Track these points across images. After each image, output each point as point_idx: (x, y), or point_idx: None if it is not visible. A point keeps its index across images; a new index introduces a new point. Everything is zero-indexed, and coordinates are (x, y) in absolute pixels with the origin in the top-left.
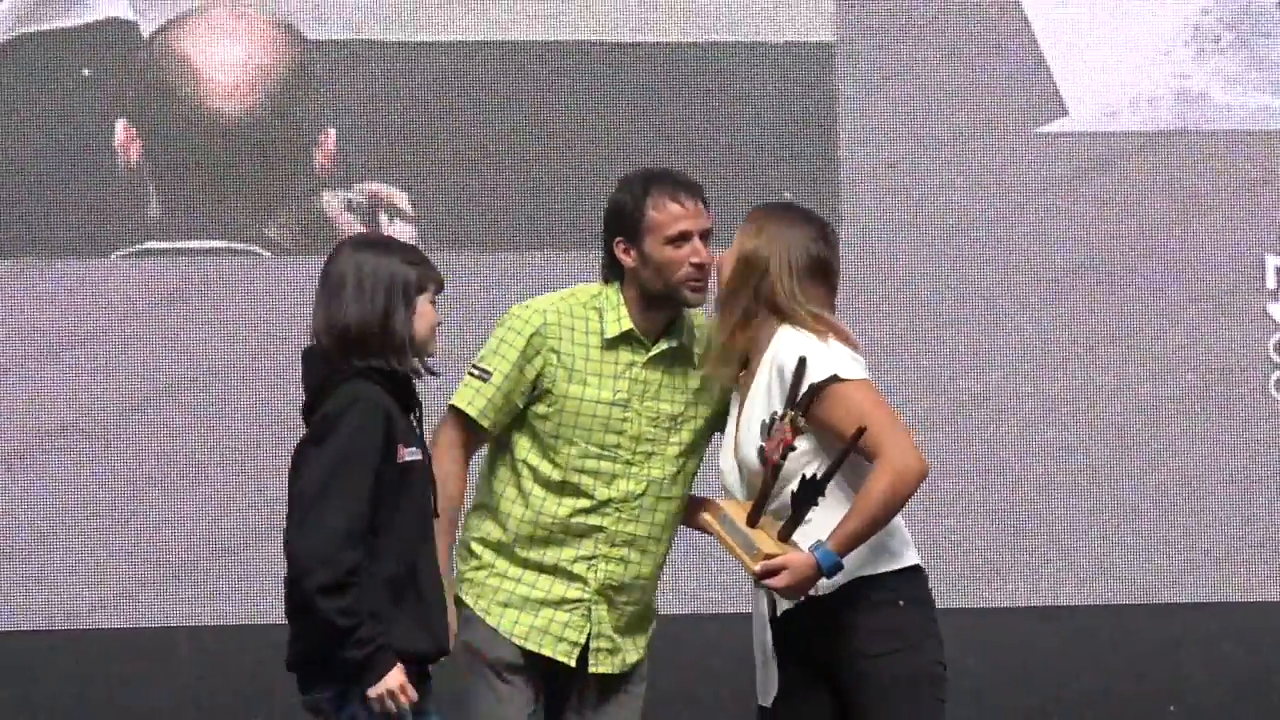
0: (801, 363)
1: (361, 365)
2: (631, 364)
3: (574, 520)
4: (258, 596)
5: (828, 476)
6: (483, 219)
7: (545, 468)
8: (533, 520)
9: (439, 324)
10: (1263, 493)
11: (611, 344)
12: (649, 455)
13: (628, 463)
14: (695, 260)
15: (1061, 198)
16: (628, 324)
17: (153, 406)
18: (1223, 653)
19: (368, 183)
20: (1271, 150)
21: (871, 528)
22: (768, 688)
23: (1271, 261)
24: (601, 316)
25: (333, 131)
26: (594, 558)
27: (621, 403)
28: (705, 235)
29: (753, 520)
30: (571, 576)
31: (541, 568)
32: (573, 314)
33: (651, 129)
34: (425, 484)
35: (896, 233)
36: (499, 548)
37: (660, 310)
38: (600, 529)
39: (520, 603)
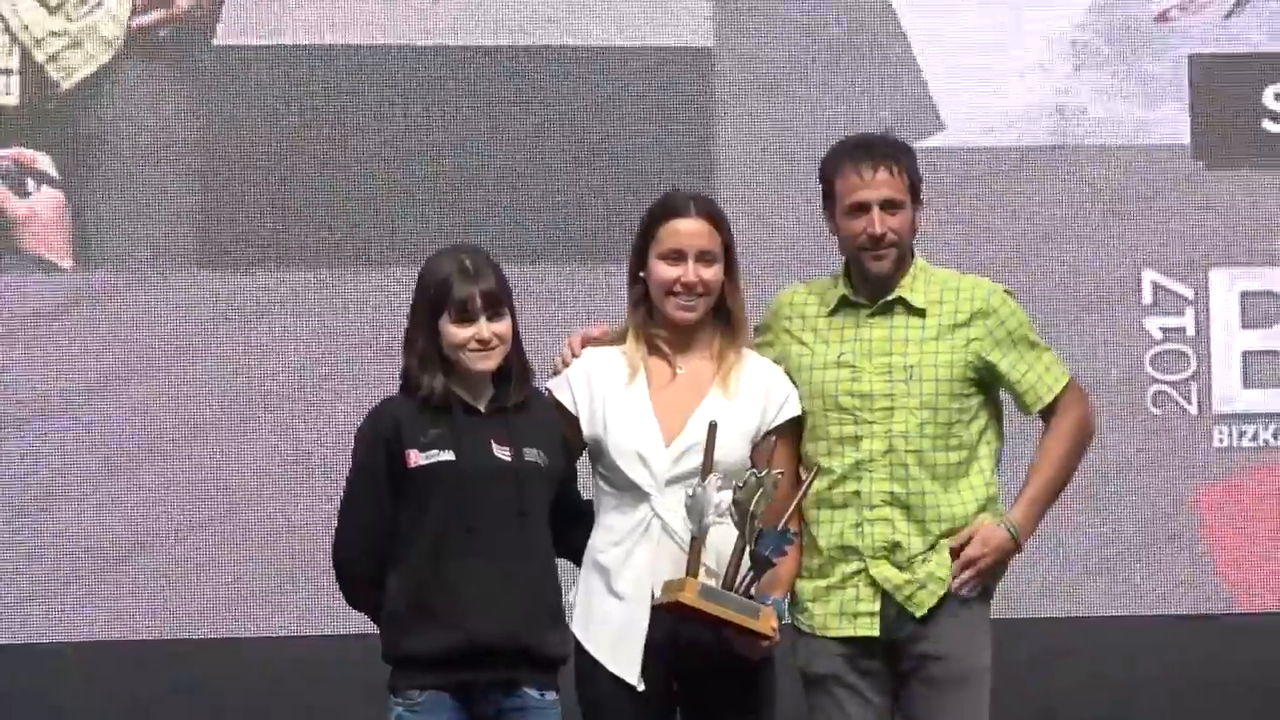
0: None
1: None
2: (856, 326)
3: (834, 491)
4: (145, 610)
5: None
6: (358, 226)
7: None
8: (811, 503)
9: (467, 343)
10: (1138, 507)
11: (834, 311)
12: (889, 411)
13: (869, 422)
14: (870, 231)
15: (938, 213)
16: (841, 290)
17: (34, 419)
18: (1099, 666)
19: (10, 146)
20: (1149, 164)
21: None
22: (626, 661)
23: (1148, 276)
24: (835, 285)
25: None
26: (860, 524)
27: (848, 363)
28: (886, 205)
29: (731, 580)
30: (846, 549)
31: (827, 550)
32: (810, 292)
33: (528, 132)
34: (461, 487)
35: (773, 238)
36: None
37: (869, 274)
38: (857, 494)
39: (814, 594)
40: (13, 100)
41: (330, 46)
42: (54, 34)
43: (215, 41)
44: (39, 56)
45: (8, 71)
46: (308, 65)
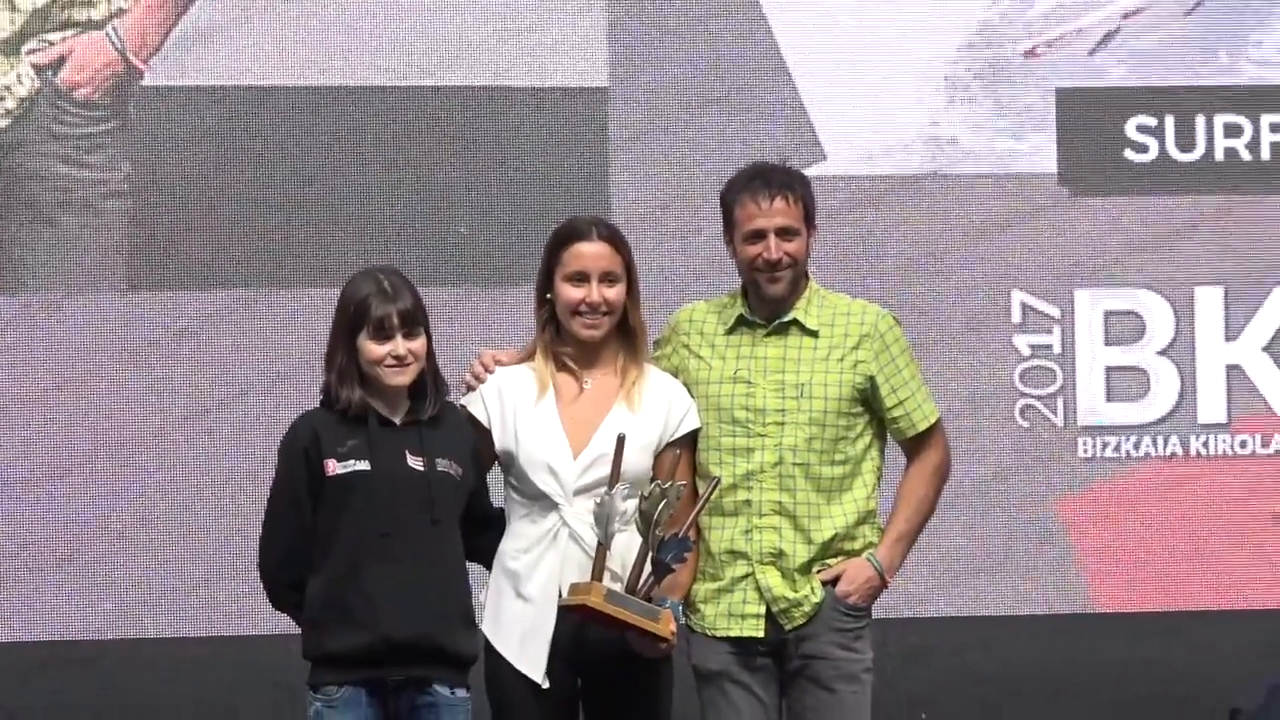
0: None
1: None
2: (752, 344)
3: (726, 499)
4: (64, 612)
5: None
6: (257, 257)
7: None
8: (705, 510)
9: (384, 358)
10: (1008, 513)
11: (732, 329)
12: (780, 425)
13: (760, 435)
14: (766, 256)
15: (821, 238)
16: (739, 309)
17: None
18: (970, 661)
19: None
20: (1018, 191)
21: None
22: (532, 659)
23: (1017, 296)
24: (733, 304)
25: None
26: (750, 530)
27: (744, 379)
28: (782, 232)
29: (633, 585)
30: (736, 554)
31: (718, 555)
32: (709, 310)
33: (436, 166)
34: (376, 494)
35: (666, 275)
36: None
37: (765, 296)
38: (748, 502)
39: (706, 596)
40: None
41: (251, 87)
42: None
43: (143, 83)
44: None
45: None
46: (231, 105)
